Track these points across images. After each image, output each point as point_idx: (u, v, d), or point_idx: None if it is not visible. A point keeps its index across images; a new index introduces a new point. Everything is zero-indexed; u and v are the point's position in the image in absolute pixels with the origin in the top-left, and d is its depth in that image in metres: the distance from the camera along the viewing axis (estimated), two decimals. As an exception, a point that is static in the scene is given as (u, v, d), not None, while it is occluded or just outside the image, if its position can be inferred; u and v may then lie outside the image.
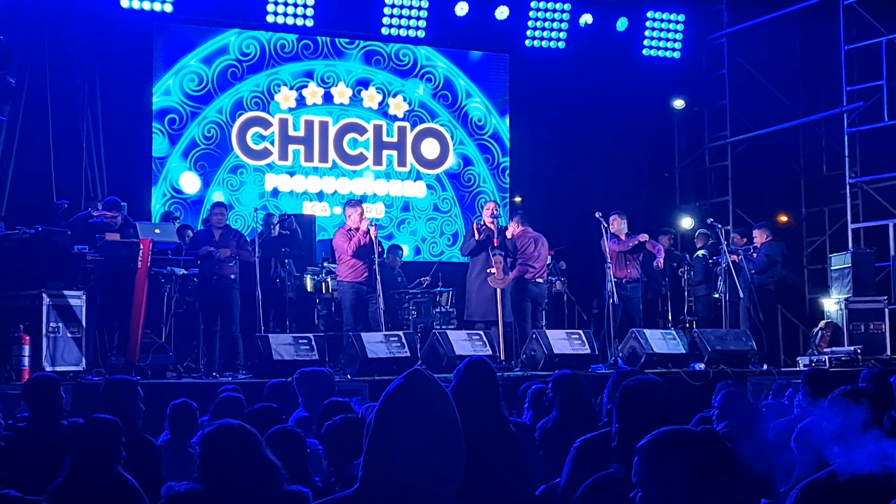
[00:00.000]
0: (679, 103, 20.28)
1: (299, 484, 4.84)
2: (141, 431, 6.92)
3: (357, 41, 18.49)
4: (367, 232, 14.06)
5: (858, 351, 15.38)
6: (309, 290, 15.36)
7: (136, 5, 16.40)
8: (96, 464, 5.39)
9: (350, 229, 14.31)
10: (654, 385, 4.81)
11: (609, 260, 14.80)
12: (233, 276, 13.73)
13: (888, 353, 15.96)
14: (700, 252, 17.33)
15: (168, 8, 16.61)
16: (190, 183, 17.34)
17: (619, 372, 6.05)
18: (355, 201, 15.02)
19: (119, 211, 13.30)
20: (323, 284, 15.37)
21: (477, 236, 14.63)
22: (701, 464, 3.29)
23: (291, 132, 18.04)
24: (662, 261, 15.68)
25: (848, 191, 18.05)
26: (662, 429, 3.42)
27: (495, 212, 15.08)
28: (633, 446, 3.53)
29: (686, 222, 19.80)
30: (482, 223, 14.92)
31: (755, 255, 16.07)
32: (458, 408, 2.95)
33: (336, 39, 18.35)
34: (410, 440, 2.87)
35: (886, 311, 16.32)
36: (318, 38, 18.21)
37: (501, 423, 5.56)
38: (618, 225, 15.54)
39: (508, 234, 14.85)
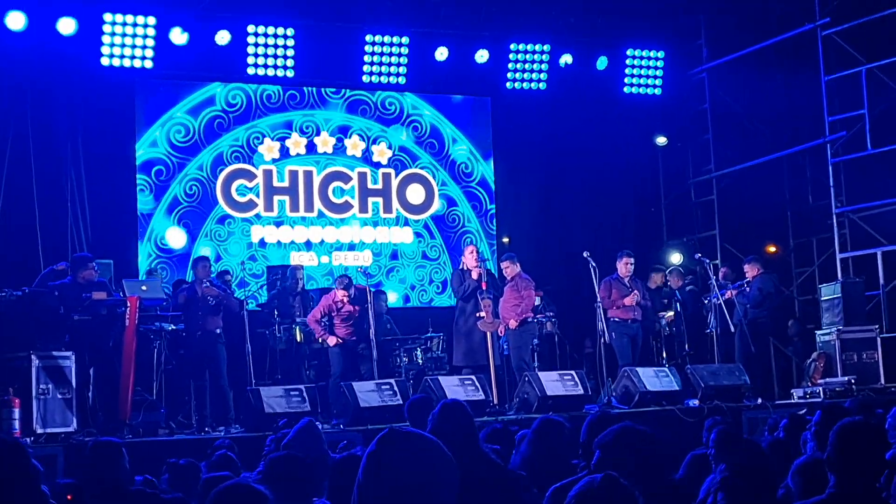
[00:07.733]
0: (661, 140, 20.30)
1: None
2: (128, 486, 6.87)
3: (342, 90, 18.45)
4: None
5: (852, 381, 15.30)
6: (299, 340, 15.29)
7: (115, 63, 16.31)
8: None
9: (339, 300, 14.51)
10: (638, 434, 4.68)
11: (600, 299, 14.79)
12: (217, 331, 13.74)
13: (882, 381, 15.90)
14: (689, 287, 17.34)
15: (148, 64, 16.52)
16: (176, 238, 17.21)
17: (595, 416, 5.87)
18: (344, 276, 15.26)
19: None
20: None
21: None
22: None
23: (276, 183, 18.00)
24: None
25: (835, 220, 18.04)
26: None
27: (480, 255, 15.07)
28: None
29: (675, 258, 19.75)
30: (466, 268, 14.85)
31: (748, 288, 16.07)
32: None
33: (321, 89, 18.33)
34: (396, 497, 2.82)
35: (878, 339, 16.28)
36: (303, 88, 18.18)
37: (481, 459, 5.49)
38: (627, 267, 15.54)
39: (509, 275, 14.83)
